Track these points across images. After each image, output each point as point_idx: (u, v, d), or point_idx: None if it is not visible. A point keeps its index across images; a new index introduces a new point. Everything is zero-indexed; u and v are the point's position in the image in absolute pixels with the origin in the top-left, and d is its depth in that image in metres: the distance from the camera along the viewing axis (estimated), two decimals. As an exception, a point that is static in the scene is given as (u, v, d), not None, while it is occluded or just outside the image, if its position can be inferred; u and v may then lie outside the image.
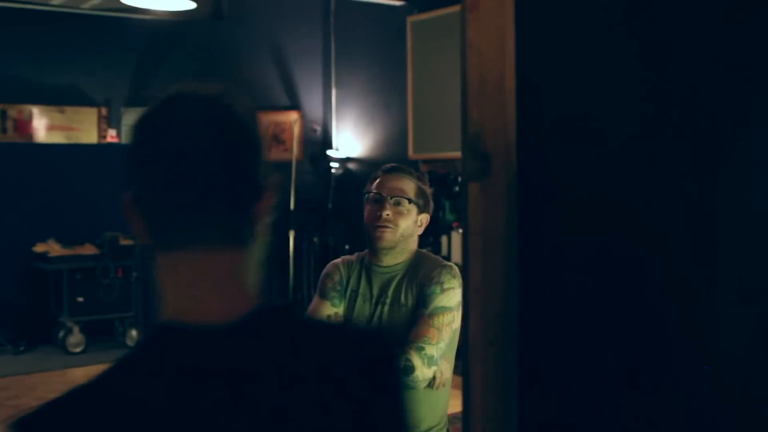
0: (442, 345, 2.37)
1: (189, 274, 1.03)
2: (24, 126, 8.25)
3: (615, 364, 1.06)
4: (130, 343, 7.24)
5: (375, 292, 2.51)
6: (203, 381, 0.96)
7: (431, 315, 2.36)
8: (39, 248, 7.26)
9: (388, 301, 2.47)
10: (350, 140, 8.90)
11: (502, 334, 1.16)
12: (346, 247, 8.35)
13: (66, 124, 8.37)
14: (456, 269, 2.44)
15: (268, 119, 9.17)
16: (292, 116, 8.96)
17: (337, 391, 0.97)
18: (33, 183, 7.56)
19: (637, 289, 1.06)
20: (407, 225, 2.48)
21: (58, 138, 8.29)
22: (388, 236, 2.47)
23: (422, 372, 2.31)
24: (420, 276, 2.44)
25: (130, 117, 8.63)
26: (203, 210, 1.01)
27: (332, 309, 2.54)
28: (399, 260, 2.51)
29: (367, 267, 2.53)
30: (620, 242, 1.07)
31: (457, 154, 7.37)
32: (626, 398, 1.07)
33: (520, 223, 1.15)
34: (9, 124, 8.19)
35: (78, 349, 7.20)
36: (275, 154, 9.14)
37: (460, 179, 7.04)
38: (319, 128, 9.27)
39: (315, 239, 8.60)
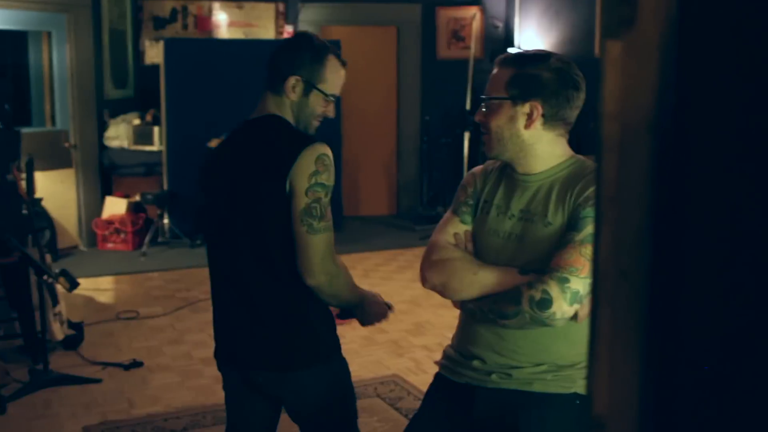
0: (590, 282, 1.95)
1: None
2: (204, 22, 8.27)
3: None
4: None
5: (513, 204, 2.10)
6: None
7: (583, 242, 1.93)
8: (214, 144, 7.30)
9: (531, 217, 2.06)
10: (533, 37, 8.33)
11: (640, 264, 0.79)
12: (525, 151, 7.91)
13: (244, 20, 8.32)
14: None
15: (447, 14, 8.74)
16: (472, 11, 8.48)
17: None
18: (210, 79, 7.57)
19: None
20: (498, 124, 2.05)
21: (236, 34, 8.27)
22: (486, 143, 2.09)
23: (561, 308, 1.92)
24: (575, 191, 1.99)
25: (308, 12, 8.47)
26: None
27: (461, 227, 2.18)
28: (538, 168, 2.06)
29: (508, 175, 2.13)
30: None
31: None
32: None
33: (677, 102, 0.77)
34: (190, 20, 8.24)
35: (250, 245, 7.25)
36: (453, 51, 8.74)
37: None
38: (500, 24, 8.74)
39: (492, 142, 8.20)
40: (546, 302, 1.92)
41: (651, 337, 0.78)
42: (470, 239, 2.16)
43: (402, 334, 4.99)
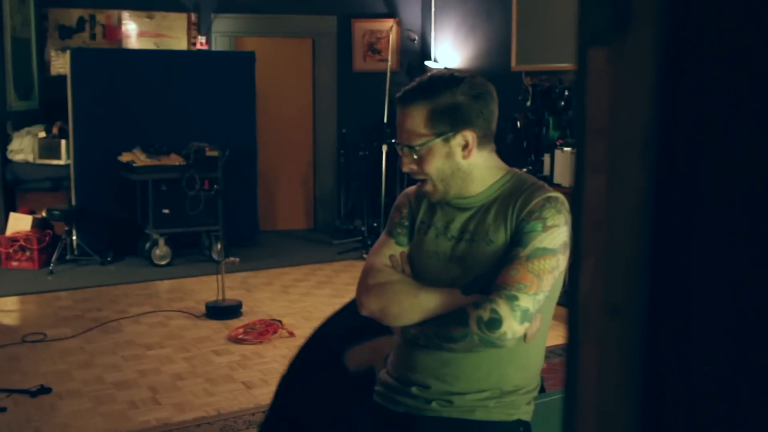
0: (540, 297, 1.86)
1: None
2: (113, 32, 8.02)
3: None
4: (215, 257, 7.02)
5: (453, 226, 2.01)
6: None
7: (530, 258, 1.85)
8: (125, 157, 7.06)
9: (471, 237, 1.97)
10: (449, 50, 8.34)
11: (634, 298, 0.71)
12: (442, 164, 7.89)
13: (155, 30, 8.09)
14: (562, 200, 1.92)
15: (363, 27, 8.69)
16: (388, 24, 8.44)
17: None
18: (120, 90, 7.33)
19: None
20: (438, 166, 1.93)
21: (146, 44, 8.03)
22: (431, 189, 1.99)
23: (512, 327, 1.82)
24: (516, 206, 1.92)
25: (221, 23, 8.29)
26: None
27: (397, 248, 2.08)
28: (477, 190, 1.99)
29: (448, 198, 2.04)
30: None
31: (564, 65, 6.78)
32: None
33: (678, 114, 0.69)
34: (98, 30, 7.97)
35: (164, 262, 7.04)
36: (370, 64, 8.68)
37: (563, 89, 6.46)
38: (416, 37, 8.73)
39: (409, 155, 8.15)
40: (495, 322, 1.82)
41: (649, 381, 0.70)
42: (407, 261, 2.06)
43: (324, 352, 4.87)
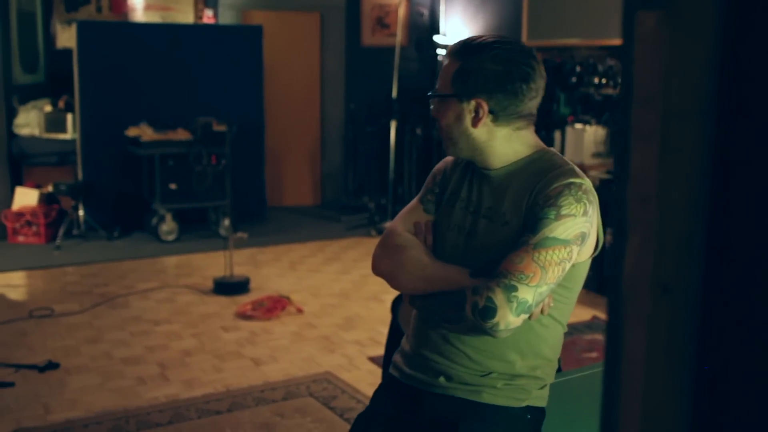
0: (543, 289, 1.75)
1: None
2: (119, 4, 7.94)
3: None
4: (223, 233, 6.99)
5: (475, 199, 1.94)
6: None
7: (537, 247, 1.75)
8: (132, 132, 7.01)
9: (490, 215, 1.90)
10: (459, 25, 8.25)
11: (687, 276, 0.66)
12: (451, 140, 7.81)
13: (161, 3, 8.01)
14: (587, 187, 1.79)
15: (371, 1, 8.59)
16: (397, -2, 8.34)
17: None
18: (127, 63, 7.27)
19: None
20: (447, 123, 1.90)
21: (153, 17, 7.95)
22: (444, 141, 1.95)
23: (505, 318, 1.73)
24: (536, 189, 1.81)
25: (228, -3, 8.21)
26: None
27: (423, 216, 2.03)
28: (497, 164, 1.90)
29: (475, 169, 1.96)
30: None
31: (575, 41, 6.68)
32: None
33: (725, 83, 0.64)
34: (104, 3, 7.90)
35: (171, 237, 7.01)
36: (378, 39, 8.60)
37: (575, 65, 6.37)
38: (425, 11, 8.64)
39: (418, 131, 8.10)
40: (489, 311, 1.73)
41: (701, 362, 0.65)
42: (430, 231, 2.00)
43: (332, 329, 4.84)
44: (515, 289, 1.73)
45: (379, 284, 5.79)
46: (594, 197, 1.80)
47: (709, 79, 0.64)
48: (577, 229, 1.76)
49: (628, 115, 0.71)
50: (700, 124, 0.64)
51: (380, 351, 4.42)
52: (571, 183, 1.79)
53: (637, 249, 0.71)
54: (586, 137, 5.98)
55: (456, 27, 8.26)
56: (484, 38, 1.87)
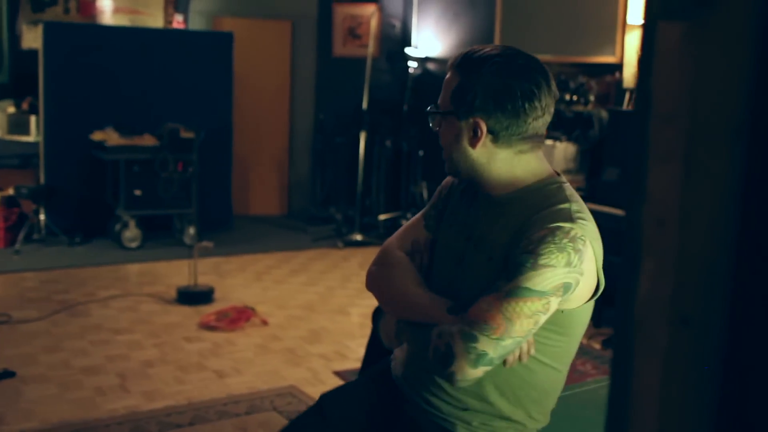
0: (507, 343, 1.61)
1: None
2: (87, 6, 7.81)
3: None
4: (188, 241, 6.88)
5: (471, 223, 1.81)
6: None
7: (508, 295, 1.59)
8: (97, 136, 6.88)
9: (475, 246, 1.77)
10: (431, 38, 8.23)
11: (711, 308, 0.61)
12: (420, 153, 7.79)
13: (131, 6, 7.90)
14: (576, 234, 1.61)
15: (343, 11, 8.55)
16: (370, 9, 8.31)
17: None
18: (93, 66, 7.14)
19: None
20: (446, 141, 1.77)
21: (122, 21, 7.84)
22: (446, 161, 1.82)
23: (462, 369, 1.60)
24: (523, 226, 1.67)
25: (199, 2, 8.12)
26: None
27: (423, 233, 1.93)
28: (498, 191, 1.77)
29: (477, 191, 1.83)
30: None
31: (547, 57, 6.68)
32: None
33: (760, 100, 0.60)
34: (72, 4, 7.76)
35: (134, 244, 6.88)
36: (350, 49, 8.55)
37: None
38: (398, 23, 8.61)
39: (387, 143, 8.05)
40: (448, 358, 1.62)
41: (726, 406, 0.60)
42: (428, 250, 1.91)
43: (298, 342, 4.76)
44: (475, 339, 1.60)
45: (346, 297, 5.73)
46: (584, 243, 1.63)
47: (742, 96, 0.59)
48: (556, 281, 1.60)
49: (646, 133, 0.66)
50: (730, 143, 0.59)
51: (346, 365, 4.35)
52: (557, 228, 1.62)
53: (652, 275, 0.66)
54: (557, 153, 5.97)
55: (428, 39, 8.24)
56: (486, 50, 1.72)
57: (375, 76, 7.94)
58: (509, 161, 1.75)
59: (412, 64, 8.17)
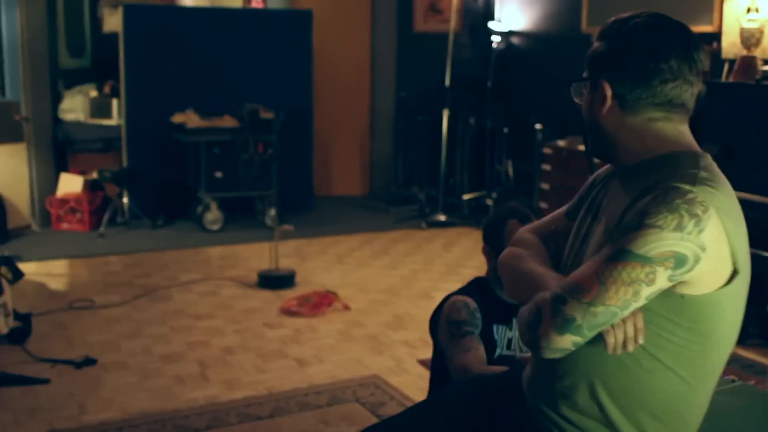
0: (600, 310, 1.43)
1: None
2: (167, -12, 7.77)
3: None
4: (269, 223, 6.80)
5: (599, 200, 1.70)
6: None
7: (608, 259, 1.43)
8: (177, 118, 6.85)
9: (601, 217, 1.65)
10: (515, 11, 7.94)
11: None
12: (505, 130, 7.53)
13: (210, -14, 7.82)
14: (695, 198, 1.42)
15: (425, -15, 8.31)
16: (452, -18, 8.06)
17: None
18: (173, 48, 7.10)
19: None
20: (585, 111, 1.64)
21: (201, 1, 7.78)
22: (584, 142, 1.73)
23: (547, 333, 1.46)
24: (642, 191, 1.50)
25: (277, -19, 8.01)
26: None
27: (563, 221, 1.83)
28: (630, 160, 1.60)
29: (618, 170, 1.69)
30: None
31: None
32: None
33: None
34: (152, -14, 7.72)
35: (215, 227, 6.83)
36: (431, 25, 8.33)
37: None
38: (480, -4, 8.34)
39: (471, 120, 7.82)
40: (534, 323, 1.49)
41: None
42: (566, 237, 1.79)
43: (380, 328, 4.61)
44: (563, 301, 1.45)
45: (429, 281, 5.56)
46: (705, 211, 1.42)
47: None
48: (663, 247, 1.40)
49: None
50: None
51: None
52: (672, 188, 1.44)
53: None
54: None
55: (512, 13, 7.96)
56: (627, 15, 1.59)
57: (457, 52, 7.68)
58: (639, 130, 1.58)
59: (496, 39, 7.89)
